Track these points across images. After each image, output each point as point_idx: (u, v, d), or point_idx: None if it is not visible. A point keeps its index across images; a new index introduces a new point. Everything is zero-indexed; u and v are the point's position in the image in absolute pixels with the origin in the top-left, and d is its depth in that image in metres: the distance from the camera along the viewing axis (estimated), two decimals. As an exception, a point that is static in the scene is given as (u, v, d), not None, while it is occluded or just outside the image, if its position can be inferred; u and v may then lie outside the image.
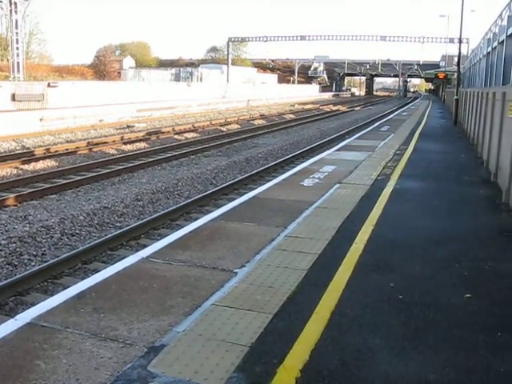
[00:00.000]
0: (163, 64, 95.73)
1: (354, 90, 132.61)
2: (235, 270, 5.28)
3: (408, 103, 65.39)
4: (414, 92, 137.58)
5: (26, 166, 16.00)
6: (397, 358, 3.72)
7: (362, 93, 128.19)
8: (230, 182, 13.42)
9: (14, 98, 28.18)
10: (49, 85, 31.24)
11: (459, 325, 4.24)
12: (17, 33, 36.35)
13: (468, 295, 4.80)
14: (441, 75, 62.43)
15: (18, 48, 36.33)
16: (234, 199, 9.77)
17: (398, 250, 6.16)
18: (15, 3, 35.67)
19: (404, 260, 5.79)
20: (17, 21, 36.44)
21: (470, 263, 5.75)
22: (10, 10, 36.00)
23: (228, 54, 79.98)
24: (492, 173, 10.86)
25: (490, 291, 4.98)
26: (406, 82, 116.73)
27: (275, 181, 10.52)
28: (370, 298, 4.73)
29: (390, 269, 5.48)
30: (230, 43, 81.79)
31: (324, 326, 4.14)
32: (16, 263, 7.92)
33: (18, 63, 36.26)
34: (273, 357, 3.68)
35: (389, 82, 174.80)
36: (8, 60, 41.38)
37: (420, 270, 5.47)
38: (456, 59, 33.26)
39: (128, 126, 28.58)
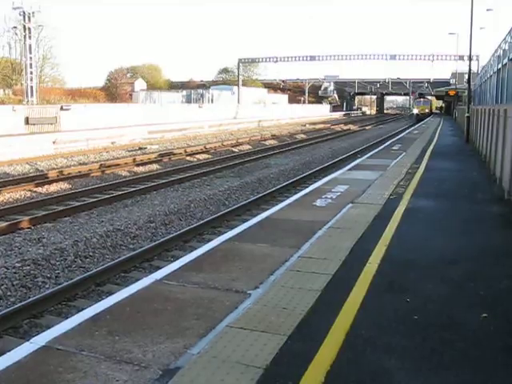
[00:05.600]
0: (174, 86, 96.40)
1: (364, 108, 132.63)
2: (249, 292, 5.27)
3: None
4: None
5: (39, 189, 16.12)
6: (414, 379, 3.69)
7: (373, 111, 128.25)
8: (242, 203, 13.44)
9: (27, 121, 28.54)
10: (62, 108, 31.62)
11: (476, 345, 4.20)
12: (30, 57, 36.94)
13: (484, 315, 4.75)
14: (451, 93, 62.46)
15: (31, 72, 36.89)
16: (246, 220, 9.78)
17: (412, 269, 6.12)
18: (29, 29, 36.29)
19: (418, 280, 5.76)
20: (30, 46, 37.03)
21: (485, 282, 5.71)
22: (24, 36, 36.64)
23: (238, 75, 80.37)
24: (506, 190, 10.79)
25: (507, 310, 4.93)
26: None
27: (288, 201, 10.52)
28: (384, 318, 4.70)
29: (404, 289, 5.44)
30: (241, 64, 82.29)
31: (339, 348, 4.12)
32: (30, 286, 7.97)
33: (31, 87, 36.80)
34: (288, 379, 3.65)
35: (399, 100, 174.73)
36: (22, 84, 41.96)
37: (435, 290, 5.43)
38: (466, 76, 33.28)
39: (140, 148, 28.77)
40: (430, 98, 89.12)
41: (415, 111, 75.30)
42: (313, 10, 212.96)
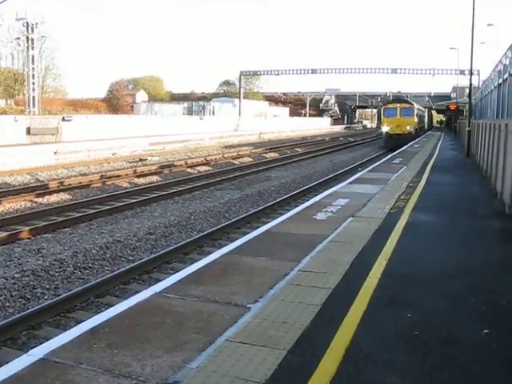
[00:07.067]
0: (176, 98, 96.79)
1: (365, 122, 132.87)
2: (249, 306, 5.24)
3: (419, 135, 65.16)
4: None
5: (39, 199, 16.12)
6: (414, 396, 3.65)
7: (374, 125, 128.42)
8: (242, 216, 13.42)
9: (29, 131, 28.63)
10: (63, 119, 31.73)
11: (478, 362, 4.16)
12: (33, 68, 37.11)
13: (486, 331, 4.72)
14: (452, 107, 62.51)
15: (33, 83, 37.04)
16: (246, 233, 9.76)
17: (412, 284, 6.09)
18: (32, 39, 36.48)
19: (419, 294, 5.72)
20: (33, 56, 37.21)
21: (486, 297, 5.67)
22: (27, 47, 36.88)
23: (240, 88, 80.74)
24: (506, 204, 10.78)
25: (508, 327, 4.89)
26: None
27: (288, 214, 10.50)
28: (385, 333, 4.67)
29: (404, 304, 5.41)
30: (242, 77, 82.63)
31: (339, 363, 4.08)
32: (29, 297, 7.94)
33: (33, 97, 36.94)
34: (288, 394, 3.62)
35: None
36: (24, 94, 42.12)
37: (435, 305, 5.40)
38: (467, 90, 33.35)
39: (141, 160, 28.80)
40: (416, 105, 48.62)
41: (385, 129, 41.60)
42: (313, 10, 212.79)
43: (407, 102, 45.27)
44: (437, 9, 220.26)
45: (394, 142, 38.53)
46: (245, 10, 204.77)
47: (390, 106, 43.81)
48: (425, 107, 66.15)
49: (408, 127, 41.36)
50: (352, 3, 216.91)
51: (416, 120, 43.21)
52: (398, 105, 42.82)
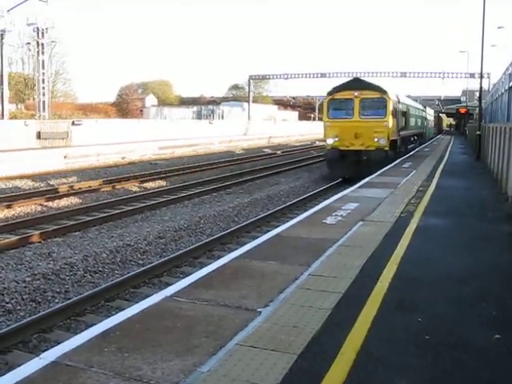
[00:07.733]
0: (185, 102, 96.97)
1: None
2: (259, 310, 5.24)
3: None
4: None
5: (50, 203, 16.21)
6: (425, 400, 3.64)
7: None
8: (252, 220, 13.43)
9: (39, 136, 28.79)
10: (73, 123, 31.88)
11: (489, 367, 4.14)
12: (43, 73, 37.36)
13: (497, 336, 4.69)
14: (462, 110, 62.27)
15: (43, 87, 37.30)
16: (256, 237, 9.76)
17: (423, 288, 6.07)
18: (42, 44, 36.73)
19: (429, 299, 5.71)
20: (43, 61, 37.47)
21: (497, 302, 5.65)
22: (38, 51, 37.11)
23: (249, 92, 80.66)
24: (517, 209, 10.72)
25: (519, 332, 4.87)
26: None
27: (298, 218, 10.49)
28: (395, 338, 4.66)
29: (415, 308, 5.40)
30: (251, 81, 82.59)
31: (349, 367, 4.08)
32: (40, 300, 7.99)
33: (43, 102, 37.18)
34: (298, 399, 3.62)
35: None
36: (34, 99, 42.37)
37: (446, 309, 5.38)
38: (477, 94, 33.23)
39: (150, 164, 28.86)
40: (395, 95, 24.79)
41: (330, 141, 22.85)
42: (315, 11, 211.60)
43: (375, 87, 23.10)
44: (447, 11, 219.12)
45: (347, 166, 22.23)
46: (245, 11, 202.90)
47: (339, 95, 23.20)
48: (424, 107, 45.80)
49: (376, 138, 22.16)
50: (357, 4, 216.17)
51: (391, 123, 22.79)
52: (356, 93, 22.57)
